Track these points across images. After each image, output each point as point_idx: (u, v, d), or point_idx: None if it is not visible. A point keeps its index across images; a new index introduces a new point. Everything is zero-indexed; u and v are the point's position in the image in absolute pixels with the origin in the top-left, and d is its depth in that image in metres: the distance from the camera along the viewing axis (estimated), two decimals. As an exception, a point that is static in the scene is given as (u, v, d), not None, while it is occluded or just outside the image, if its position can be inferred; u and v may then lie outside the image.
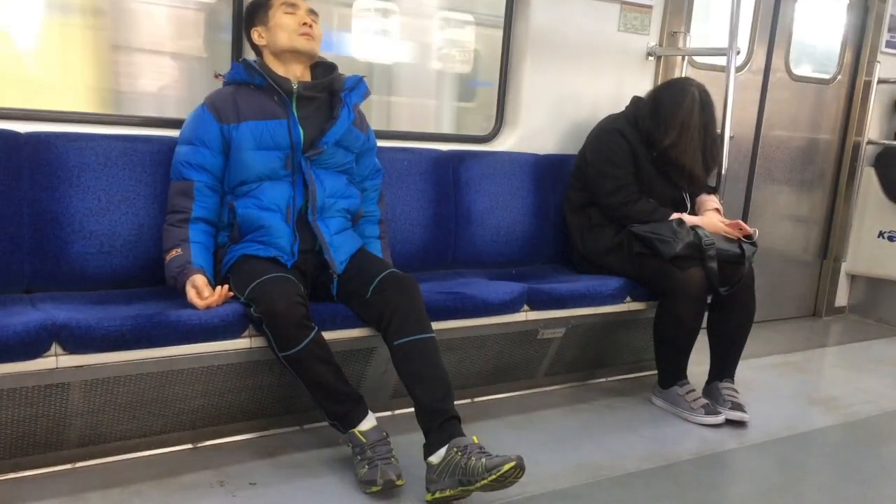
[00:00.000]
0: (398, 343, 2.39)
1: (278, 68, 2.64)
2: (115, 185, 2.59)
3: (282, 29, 2.61)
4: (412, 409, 2.36)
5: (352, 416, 2.37)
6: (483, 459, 2.16)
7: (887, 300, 5.00)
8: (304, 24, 2.62)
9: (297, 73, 2.65)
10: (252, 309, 2.32)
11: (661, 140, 3.22)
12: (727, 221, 3.23)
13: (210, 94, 2.63)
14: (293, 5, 2.64)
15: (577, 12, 3.64)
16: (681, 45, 3.91)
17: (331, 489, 2.34)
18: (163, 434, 2.46)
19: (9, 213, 2.45)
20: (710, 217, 3.26)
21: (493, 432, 2.72)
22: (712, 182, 3.61)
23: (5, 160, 2.45)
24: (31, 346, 2.05)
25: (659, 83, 3.74)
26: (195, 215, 2.52)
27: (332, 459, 2.50)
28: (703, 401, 3.09)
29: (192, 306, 2.32)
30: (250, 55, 2.77)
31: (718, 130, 3.47)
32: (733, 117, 3.60)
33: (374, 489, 2.28)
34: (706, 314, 3.19)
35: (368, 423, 2.38)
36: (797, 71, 4.67)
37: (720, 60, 3.77)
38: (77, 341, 2.11)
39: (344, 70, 2.77)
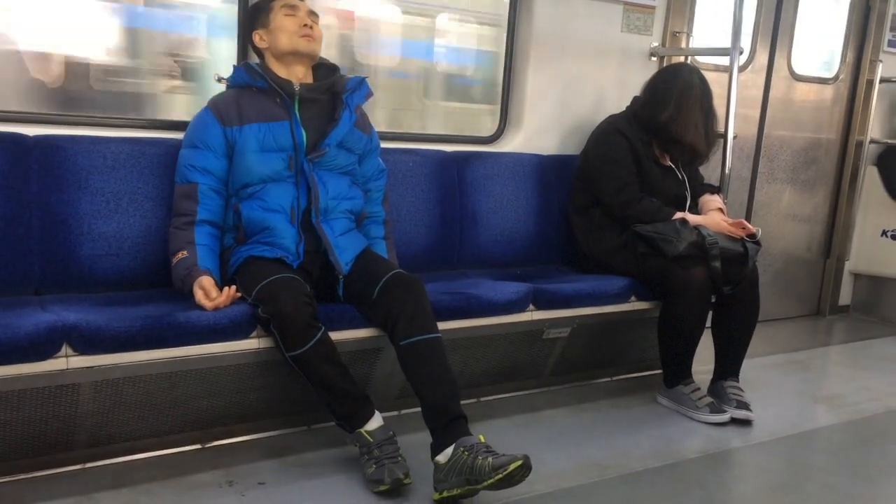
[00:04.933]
0: (404, 343, 2.40)
1: (280, 70, 2.65)
2: (123, 188, 2.61)
3: (282, 31, 2.62)
4: (419, 409, 2.38)
5: (359, 415, 2.39)
6: (490, 458, 2.17)
7: (890, 299, 5.01)
8: (305, 25, 2.63)
9: (299, 75, 2.67)
10: (259, 309, 2.33)
11: (659, 116, 3.24)
12: (730, 221, 3.24)
13: (213, 98, 2.65)
14: (293, 7, 2.65)
15: (580, 13, 3.65)
16: (683, 45, 3.93)
17: (339, 488, 2.36)
18: (172, 434, 2.48)
19: (18, 215, 2.46)
20: (714, 216, 3.26)
21: (499, 431, 2.74)
22: (716, 181, 3.63)
23: (14, 163, 2.47)
24: (42, 347, 2.07)
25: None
26: (200, 218, 2.53)
27: (339, 459, 2.51)
28: (709, 399, 3.10)
29: (200, 308, 2.33)
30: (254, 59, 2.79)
31: (721, 129, 3.49)
32: (736, 117, 3.61)
33: (382, 488, 2.29)
34: (711, 313, 3.21)
35: (375, 422, 2.39)
36: (799, 70, 4.69)
37: (723, 60, 3.79)
38: (87, 342, 2.12)
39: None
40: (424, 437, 2.34)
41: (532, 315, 2.95)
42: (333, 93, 2.71)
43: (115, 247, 2.59)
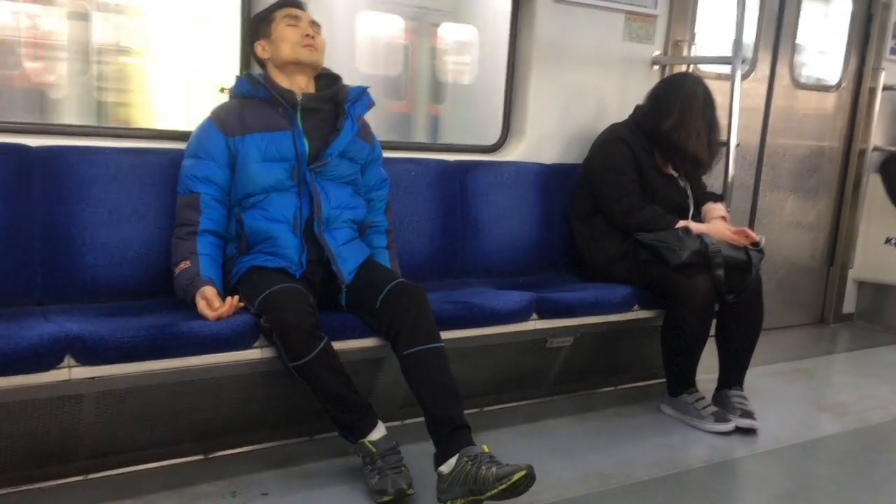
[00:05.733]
0: (407, 353, 2.39)
1: (282, 81, 2.66)
2: (125, 198, 2.61)
3: (284, 41, 2.63)
4: (422, 419, 2.37)
5: (362, 425, 2.38)
6: (493, 468, 2.16)
7: (894, 306, 4.99)
8: (307, 35, 2.64)
9: (301, 85, 2.67)
10: (262, 319, 2.33)
11: (662, 125, 3.24)
12: (733, 229, 3.23)
13: (216, 108, 2.65)
14: (295, 17, 2.66)
15: (582, 22, 3.66)
16: (685, 53, 3.93)
17: (342, 499, 2.35)
18: (174, 445, 2.47)
19: (21, 226, 2.47)
20: (717, 225, 3.26)
21: (502, 441, 2.73)
22: (718, 189, 3.62)
23: (17, 174, 2.47)
24: (45, 358, 2.06)
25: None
26: (203, 228, 2.53)
27: (342, 469, 2.51)
28: (713, 408, 3.09)
29: (202, 318, 2.33)
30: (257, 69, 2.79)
31: (724, 138, 3.49)
32: (739, 125, 3.61)
33: (386, 498, 2.28)
34: (714, 322, 3.20)
35: (378, 432, 2.38)
36: (801, 78, 4.69)
37: (725, 69, 3.79)
38: (90, 353, 2.12)
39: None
40: (428, 447, 2.33)
41: (535, 324, 2.94)
42: (336, 102, 2.71)
43: (117, 257, 2.59)
